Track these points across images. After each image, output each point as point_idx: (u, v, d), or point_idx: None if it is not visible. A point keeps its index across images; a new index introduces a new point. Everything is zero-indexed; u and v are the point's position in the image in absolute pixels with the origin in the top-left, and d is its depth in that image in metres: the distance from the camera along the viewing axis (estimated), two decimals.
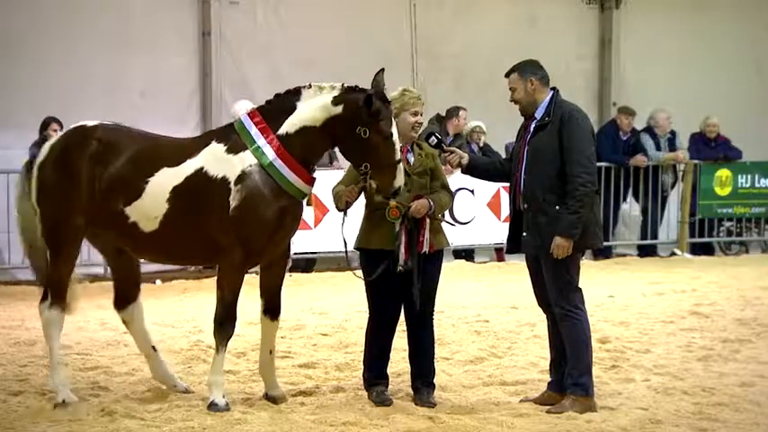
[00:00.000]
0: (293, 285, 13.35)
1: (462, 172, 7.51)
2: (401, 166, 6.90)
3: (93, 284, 13.11)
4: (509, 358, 8.67)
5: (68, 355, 8.66)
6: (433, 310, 7.37)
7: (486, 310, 11.04)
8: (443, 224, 7.41)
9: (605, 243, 16.05)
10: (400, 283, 7.15)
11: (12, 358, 8.57)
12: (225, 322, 7.04)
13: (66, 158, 6.99)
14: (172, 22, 14.99)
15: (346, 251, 7.24)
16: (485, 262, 15.29)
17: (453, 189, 13.93)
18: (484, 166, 7.66)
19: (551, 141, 6.99)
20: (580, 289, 7.16)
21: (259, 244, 6.95)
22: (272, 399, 7.20)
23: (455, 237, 14.52)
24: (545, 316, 7.36)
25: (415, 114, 7.25)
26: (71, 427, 6.47)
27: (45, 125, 12.93)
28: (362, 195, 7.17)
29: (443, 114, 15.24)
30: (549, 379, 7.35)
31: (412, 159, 7.25)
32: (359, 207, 7.29)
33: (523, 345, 9.24)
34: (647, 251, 16.56)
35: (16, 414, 6.79)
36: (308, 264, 14.52)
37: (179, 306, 11.60)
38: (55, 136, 7.35)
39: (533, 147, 7.09)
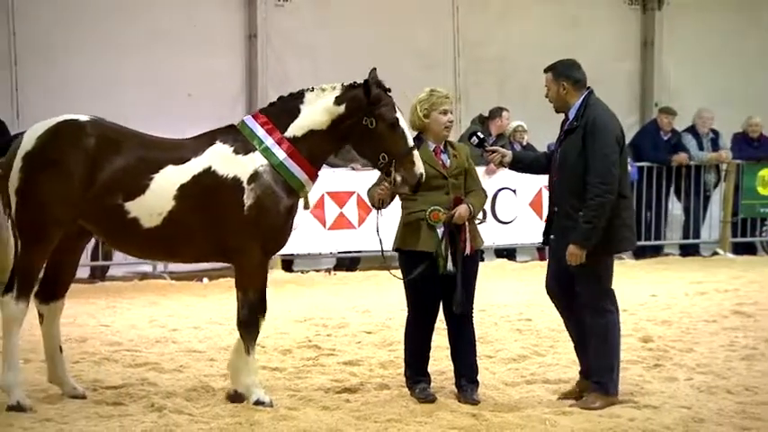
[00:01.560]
0: (337, 284, 13.43)
1: (510, 169, 7.51)
2: (416, 152, 6.84)
3: (143, 282, 13.27)
4: (552, 356, 8.64)
5: (118, 352, 8.77)
6: (473, 309, 7.35)
7: (528, 308, 11.00)
8: (479, 225, 7.41)
9: (651, 242, 16.05)
10: (440, 284, 7.15)
11: (64, 354, 8.63)
12: (252, 323, 6.99)
13: (56, 151, 6.78)
14: (219, 24, 15.11)
15: (382, 250, 7.21)
16: (526, 261, 15.25)
17: (496, 189, 14.23)
18: (528, 161, 7.67)
19: (577, 146, 6.98)
20: (612, 291, 7.13)
21: (275, 241, 6.99)
22: (238, 397, 7.04)
23: (497, 236, 14.61)
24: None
25: (445, 113, 7.20)
26: (122, 422, 6.52)
27: None
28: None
29: (486, 115, 15.20)
30: (580, 368, 7.35)
31: (447, 161, 7.21)
32: (395, 207, 7.28)
33: (566, 343, 9.13)
34: (689, 251, 16.45)
35: (68, 409, 6.84)
36: (351, 263, 14.57)
37: (225, 304, 11.64)
38: (39, 126, 6.95)
39: (563, 150, 7.10)
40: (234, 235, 6.87)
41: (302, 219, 13.57)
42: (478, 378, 7.34)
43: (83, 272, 13.72)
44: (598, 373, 7.08)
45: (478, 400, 7.15)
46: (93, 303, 11.59)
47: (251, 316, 6.97)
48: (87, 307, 11.33)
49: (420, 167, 6.81)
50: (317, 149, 6.98)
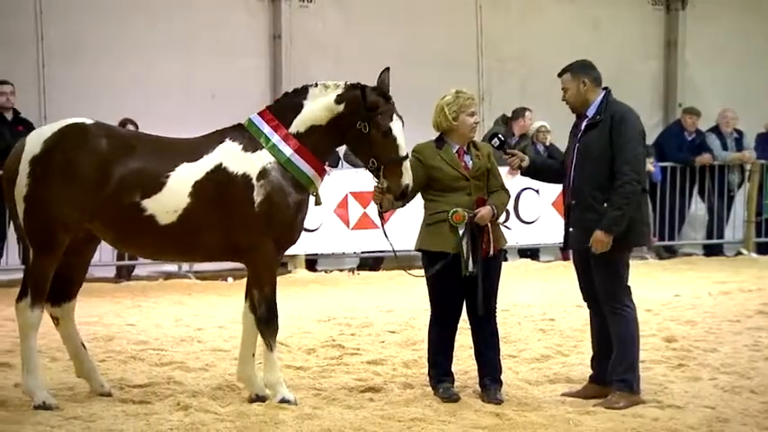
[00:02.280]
0: (361, 284, 13.43)
1: (522, 174, 7.52)
2: (407, 163, 6.86)
3: (168, 281, 13.32)
4: (575, 356, 8.61)
5: (144, 351, 8.79)
6: (496, 308, 7.34)
7: (551, 308, 10.97)
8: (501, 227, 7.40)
9: (675, 242, 15.99)
10: (462, 285, 7.14)
11: (90, 353, 8.67)
12: (271, 319, 6.98)
13: (64, 154, 6.73)
14: (244, 25, 15.16)
15: (394, 251, 7.25)
16: (550, 261, 15.21)
17: (519, 189, 14.19)
18: (543, 169, 7.69)
19: (602, 140, 7.02)
20: (629, 286, 7.16)
21: (287, 237, 6.99)
22: (262, 399, 7.05)
23: (520, 236, 14.57)
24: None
25: (472, 115, 7.21)
26: (148, 421, 6.54)
27: (122, 125, 13.11)
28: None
29: (509, 115, 15.17)
30: (591, 372, 7.38)
31: (470, 163, 7.21)
32: (417, 208, 7.27)
33: (589, 343, 9.13)
34: (713, 251, 16.36)
35: (95, 408, 6.87)
36: (375, 262, 14.57)
37: None
38: (43, 130, 6.95)
39: (584, 144, 7.12)
40: (245, 232, 6.88)
41: (326, 219, 13.68)
42: (502, 377, 7.32)
43: (109, 271, 13.81)
44: (622, 371, 7.07)
45: (502, 400, 7.13)
46: (118, 303, 11.65)
47: (270, 312, 6.96)
48: (113, 306, 11.39)
49: (407, 179, 6.84)
50: (320, 144, 7.00)
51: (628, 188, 6.90)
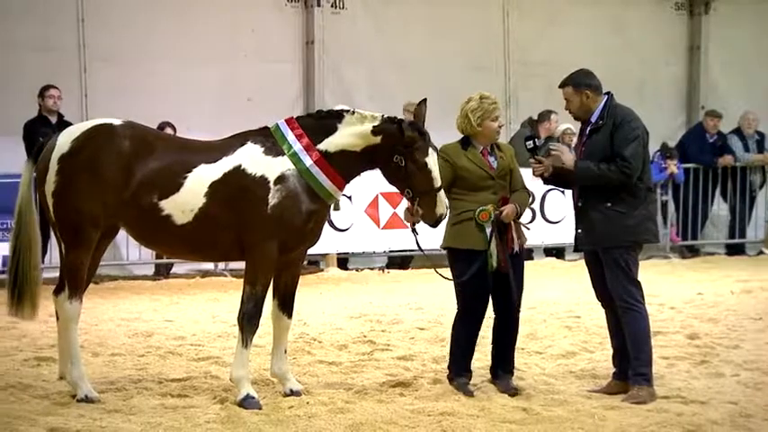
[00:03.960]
0: (391, 282, 13.44)
1: (544, 183, 7.55)
2: (442, 193, 6.93)
3: (204, 279, 13.38)
4: (600, 353, 8.57)
5: (182, 346, 8.84)
6: (520, 304, 7.35)
7: (576, 306, 10.93)
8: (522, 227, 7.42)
9: (698, 242, 15.90)
10: (490, 282, 7.16)
11: (130, 348, 8.75)
12: (254, 317, 6.90)
13: (91, 154, 6.75)
14: (278, 31, 15.21)
15: (430, 260, 7.29)
16: (575, 260, 15.13)
17: (545, 189, 14.14)
18: (564, 178, 7.68)
19: (604, 142, 7.08)
20: (639, 283, 7.16)
21: (292, 242, 6.92)
22: (295, 393, 7.06)
23: (546, 235, 14.54)
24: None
25: (496, 119, 7.25)
26: (186, 413, 6.56)
27: (160, 129, 13.19)
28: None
29: (535, 118, 15.13)
30: (613, 369, 7.36)
31: (495, 163, 7.25)
32: None
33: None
34: (735, 250, 16.26)
35: (134, 401, 6.91)
36: (404, 261, 14.57)
37: None
38: (73, 129, 6.98)
39: (588, 148, 7.18)
40: (253, 231, 6.83)
41: (357, 219, 13.71)
42: (514, 370, 7.39)
43: (148, 269, 13.89)
44: (639, 366, 7.06)
45: (517, 388, 7.19)
46: (157, 300, 11.71)
47: (256, 310, 6.88)
48: (152, 303, 11.46)
49: (441, 208, 6.91)
50: (347, 168, 6.98)
51: (613, 171, 6.93)
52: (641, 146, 7.08)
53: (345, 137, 6.95)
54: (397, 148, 6.86)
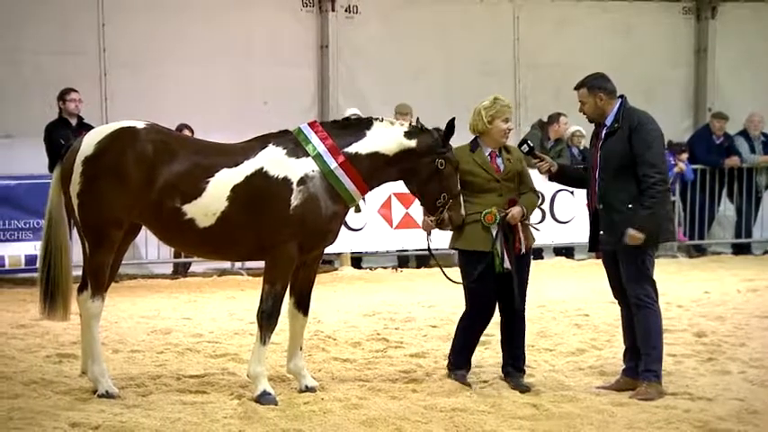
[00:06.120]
0: (404, 281, 13.43)
1: (550, 179, 7.54)
2: (461, 195, 7.05)
3: (221, 278, 13.40)
4: (609, 350, 8.57)
5: (200, 343, 8.85)
6: (526, 303, 7.37)
7: (585, 304, 10.91)
8: (531, 228, 7.43)
9: (705, 241, 15.86)
10: (497, 282, 7.18)
11: (149, 345, 8.77)
12: (273, 315, 6.89)
13: (115, 156, 6.74)
14: (294, 35, 15.22)
15: (442, 268, 7.36)
16: (584, 259, 15.12)
17: (554, 190, 14.12)
18: (571, 175, 7.77)
19: (621, 146, 7.08)
20: (654, 281, 7.17)
21: (313, 242, 6.93)
22: (311, 389, 7.08)
23: (556, 235, 14.52)
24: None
25: (507, 121, 7.27)
26: (204, 409, 6.58)
27: (178, 131, 13.21)
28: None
29: (545, 120, 15.11)
30: (624, 366, 7.36)
31: (502, 165, 7.26)
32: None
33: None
34: (741, 249, 16.22)
35: (154, 396, 6.93)
36: (418, 261, 14.57)
37: None
38: (97, 131, 6.97)
39: (605, 151, 7.18)
40: (275, 232, 6.82)
41: (370, 219, 13.71)
42: (525, 367, 7.38)
43: (166, 268, 13.93)
44: (650, 362, 7.07)
45: (527, 385, 7.19)
46: (175, 298, 11.74)
47: (275, 308, 6.89)
48: (171, 301, 11.48)
49: (463, 209, 7.05)
50: (374, 172, 7.00)
51: (655, 188, 6.96)
52: (661, 147, 7.12)
53: (379, 140, 6.98)
54: (437, 150, 6.93)
